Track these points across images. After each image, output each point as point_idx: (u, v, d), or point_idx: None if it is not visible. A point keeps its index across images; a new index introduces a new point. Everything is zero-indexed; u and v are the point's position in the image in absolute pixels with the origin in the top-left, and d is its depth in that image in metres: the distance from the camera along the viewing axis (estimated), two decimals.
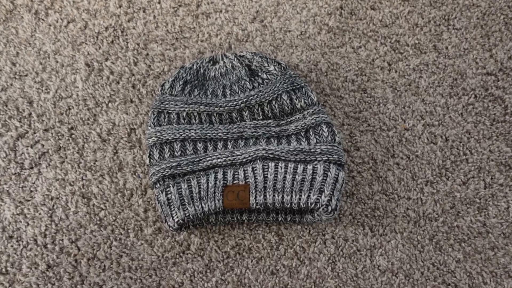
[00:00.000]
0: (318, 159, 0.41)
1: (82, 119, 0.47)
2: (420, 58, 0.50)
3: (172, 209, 0.40)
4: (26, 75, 0.49)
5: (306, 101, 0.44)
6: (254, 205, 0.39)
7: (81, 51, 0.50)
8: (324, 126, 0.43)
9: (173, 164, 0.41)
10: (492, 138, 0.47)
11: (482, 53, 0.50)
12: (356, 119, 0.48)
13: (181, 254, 0.43)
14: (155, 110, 0.44)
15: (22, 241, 0.44)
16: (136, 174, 0.46)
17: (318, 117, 0.43)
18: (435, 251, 0.44)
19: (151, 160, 0.43)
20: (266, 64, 0.46)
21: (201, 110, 0.44)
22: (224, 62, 0.47)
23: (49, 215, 0.44)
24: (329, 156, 0.41)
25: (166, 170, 0.41)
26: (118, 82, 0.49)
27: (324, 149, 0.41)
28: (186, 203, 0.40)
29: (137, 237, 0.44)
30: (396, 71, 0.49)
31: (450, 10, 0.52)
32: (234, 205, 0.39)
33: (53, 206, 0.45)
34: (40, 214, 0.44)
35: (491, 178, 0.46)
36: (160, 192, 0.41)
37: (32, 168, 0.46)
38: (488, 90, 0.49)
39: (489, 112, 0.48)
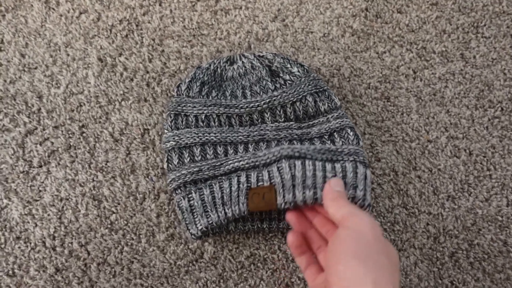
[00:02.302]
0: (345, 159, 0.40)
1: (93, 117, 0.45)
2: (447, 66, 0.48)
3: (195, 217, 0.39)
4: (36, 68, 0.47)
5: (329, 104, 0.43)
6: (283, 205, 0.36)
7: (93, 44, 0.48)
8: (349, 130, 0.42)
9: (195, 169, 0.40)
10: None
11: (511, 63, 0.48)
12: (378, 129, 0.46)
13: (194, 262, 0.42)
14: (172, 112, 0.42)
15: (30, 243, 0.42)
16: (149, 177, 0.44)
17: (342, 121, 0.42)
18: (454, 269, 0.43)
19: (170, 165, 0.41)
20: (288, 65, 0.44)
21: (220, 112, 0.42)
22: (242, 62, 0.45)
23: (58, 216, 0.43)
24: (355, 157, 0.40)
25: (188, 176, 0.40)
26: (132, 80, 0.47)
27: (351, 150, 0.40)
28: (209, 210, 0.39)
29: (149, 243, 0.42)
30: (421, 80, 0.47)
31: (479, 17, 0.50)
32: (260, 207, 0.37)
33: (63, 207, 0.43)
34: (49, 215, 0.43)
35: None
36: (182, 198, 0.40)
37: (41, 166, 0.44)
38: None
39: None
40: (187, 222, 0.39)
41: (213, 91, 0.44)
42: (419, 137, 0.46)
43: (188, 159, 0.41)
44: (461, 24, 0.49)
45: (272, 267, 0.42)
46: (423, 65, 0.48)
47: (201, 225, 0.39)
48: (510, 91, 0.47)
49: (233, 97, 0.44)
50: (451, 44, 0.49)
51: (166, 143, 0.41)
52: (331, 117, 0.42)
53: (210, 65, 0.44)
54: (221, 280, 0.42)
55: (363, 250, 0.28)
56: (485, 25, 0.49)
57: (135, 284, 0.42)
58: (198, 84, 0.43)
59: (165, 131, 0.42)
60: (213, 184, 0.39)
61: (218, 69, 0.45)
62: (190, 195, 0.39)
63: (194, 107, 0.42)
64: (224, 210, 0.39)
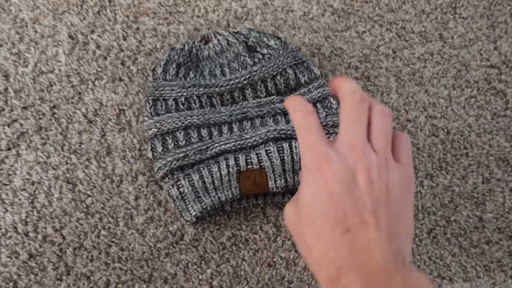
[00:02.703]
0: (330, 131, 0.39)
1: (65, 97, 0.43)
2: (426, 47, 0.48)
3: (187, 203, 0.38)
4: (1, 45, 0.44)
5: (309, 75, 0.42)
6: (274, 189, 0.38)
7: (63, 21, 0.45)
8: (332, 99, 0.41)
9: (180, 155, 0.39)
10: (492, 132, 0.46)
11: (487, 44, 0.49)
12: None
13: (174, 244, 0.41)
14: (150, 98, 0.41)
15: (1, 229, 0.40)
16: (126, 159, 0.42)
17: (324, 90, 0.42)
18: (432, 245, 0.44)
19: (154, 154, 0.40)
20: (265, 39, 0.43)
21: (200, 92, 0.41)
22: (218, 39, 0.43)
23: (30, 201, 0.41)
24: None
25: (174, 162, 0.38)
26: (105, 58, 0.45)
27: (336, 121, 0.40)
28: (201, 195, 0.38)
29: (127, 226, 0.41)
30: (400, 59, 0.48)
31: None
32: (252, 190, 0.38)
33: (35, 191, 0.41)
34: (20, 199, 0.41)
35: (489, 173, 0.45)
36: (170, 186, 0.38)
37: (9, 149, 0.42)
38: (490, 83, 0.48)
39: (491, 106, 0.47)
40: (179, 209, 0.39)
41: (191, 72, 0.43)
42: (399, 116, 0.46)
43: (172, 145, 0.40)
44: (439, 4, 0.50)
45: (254, 247, 0.42)
46: (403, 45, 0.48)
47: (194, 211, 0.38)
48: (486, 71, 0.48)
49: (212, 76, 0.42)
50: (429, 24, 0.49)
51: (148, 131, 0.40)
52: (312, 87, 0.42)
53: (184, 46, 0.43)
54: (203, 262, 0.41)
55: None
56: (462, 5, 0.50)
57: (113, 268, 0.40)
58: (174, 66, 0.42)
59: (145, 118, 0.40)
60: (201, 168, 0.39)
61: (193, 49, 0.43)
62: (179, 182, 0.38)
63: (173, 90, 0.41)
64: (217, 194, 0.38)
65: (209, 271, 0.41)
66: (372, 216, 0.27)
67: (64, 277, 0.40)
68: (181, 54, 0.43)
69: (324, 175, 0.27)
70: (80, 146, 0.42)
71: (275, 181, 0.38)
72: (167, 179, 0.39)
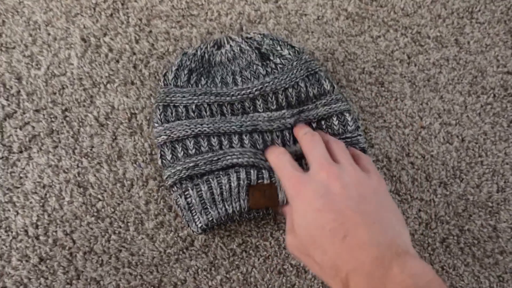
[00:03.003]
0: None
1: (77, 100, 0.43)
2: (441, 52, 0.47)
3: (194, 214, 0.38)
4: (14, 48, 0.44)
5: (319, 89, 0.42)
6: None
7: (76, 23, 0.45)
8: (335, 118, 0.41)
9: (190, 164, 0.38)
10: (508, 140, 0.46)
11: (504, 50, 0.48)
12: (371, 114, 0.45)
13: (184, 250, 0.41)
14: (160, 104, 0.40)
15: (12, 232, 0.40)
16: (137, 163, 0.42)
17: (330, 108, 0.41)
18: (444, 254, 0.43)
19: (164, 161, 0.39)
20: (278, 48, 0.42)
21: (211, 101, 0.40)
22: (230, 45, 0.43)
23: (41, 204, 0.41)
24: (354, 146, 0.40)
25: (183, 171, 0.38)
26: (117, 61, 0.44)
27: (348, 141, 0.40)
28: (208, 207, 0.38)
29: (137, 231, 0.41)
30: (415, 65, 0.47)
31: (474, 2, 0.49)
32: (261, 204, 0.37)
33: (46, 194, 0.41)
34: (31, 203, 0.41)
35: (505, 182, 0.45)
36: (178, 196, 0.38)
37: (21, 152, 0.42)
38: (507, 90, 0.47)
39: (507, 113, 0.46)
40: (186, 219, 0.38)
41: (202, 78, 0.42)
42: (413, 123, 0.45)
43: (182, 153, 0.39)
44: (456, 9, 0.49)
45: (264, 254, 0.42)
46: (418, 50, 0.47)
47: (200, 222, 0.38)
48: (503, 78, 0.47)
49: (224, 84, 0.42)
50: (445, 29, 0.48)
51: (158, 138, 0.40)
52: (319, 103, 0.41)
53: (197, 51, 0.42)
54: (213, 268, 0.41)
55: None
56: (479, 10, 0.49)
57: (123, 273, 0.40)
58: (185, 72, 0.41)
59: (155, 124, 0.40)
60: (211, 179, 0.38)
61: (206, 55, 0.42)
62: (186, 192, 0.38)
63: (184, 97, 0.40)
64: (225, 206, 0.38)
65: (219, 277, 0.41)
66: (358, 214, 0.29)
67: (74, 281, 0.40)
68: (193, 60, 0.42)
69: (305, 196, 0.31)
70: (91, 149, 0.42)
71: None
72: (175, 187, 0.39)
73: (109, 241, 0.41)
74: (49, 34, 0.44)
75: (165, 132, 0.39)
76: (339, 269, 0.28)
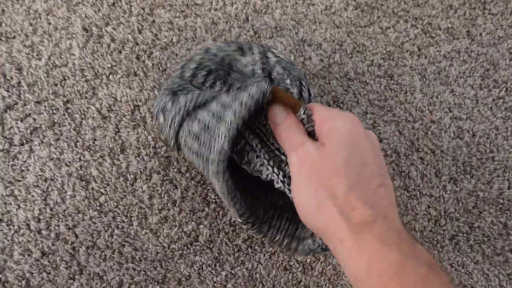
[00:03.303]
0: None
1: (79, 91, 0.42)
2: (452, 44, 0.46)
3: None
4: (14, 37, 0.43)
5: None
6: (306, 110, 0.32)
7: (77, 12, 0.44)
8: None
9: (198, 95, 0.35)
10: None
11: None
12: (380, 108, 0.44)
13: (189, 245, 0.40)
14: (171, 90, 0.38)
15: (13, 225, 0.40)
16: (140, 156, 0.41)
17: None
18: (454, 252, 0.42)
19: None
20: (287, 81, 0.38)
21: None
22: (248, 60, 0.39)
23: (43, 198, 0.40)
24: None
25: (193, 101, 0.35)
26: (120, 52, 0.43)
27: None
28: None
29: (141, 225, 0.40)
30: (426, 57, 0.46)
31: None
32: (284, 97, 0.32)
33: (48, 188, 0.40)
34: (33, 196, 0.40)
35: None
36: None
37: (22, 144, 0.41)
38: None
39: None
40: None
41: (218, 82, 0.39)
42: (423, 117, 0.44)
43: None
44: None
45: (270, 250, 0.41)
46: (428, 42, 0.46)
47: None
48: None
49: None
50: (457, 21, 0.47)
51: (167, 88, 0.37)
52: None
53: (219, 52, 0.39)
54: (217, 264, 0.40)
55: None
56: (492, 1, 0.47)
57: (127, 268, 0.40)
58: (203, 73, 0.38)
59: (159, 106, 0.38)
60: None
61: (227, 57, 0.39)
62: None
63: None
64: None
65: (223, 273, 0.40)
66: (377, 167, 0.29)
67: (77, 276, 0.39)
68: (214, 61, 0.39)
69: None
70: (93, 142, 0.41)
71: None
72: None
73: (112, 235, 0.40)
74: (50, 23, 0.43)
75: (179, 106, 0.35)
76: (367, 205, 0.27)
